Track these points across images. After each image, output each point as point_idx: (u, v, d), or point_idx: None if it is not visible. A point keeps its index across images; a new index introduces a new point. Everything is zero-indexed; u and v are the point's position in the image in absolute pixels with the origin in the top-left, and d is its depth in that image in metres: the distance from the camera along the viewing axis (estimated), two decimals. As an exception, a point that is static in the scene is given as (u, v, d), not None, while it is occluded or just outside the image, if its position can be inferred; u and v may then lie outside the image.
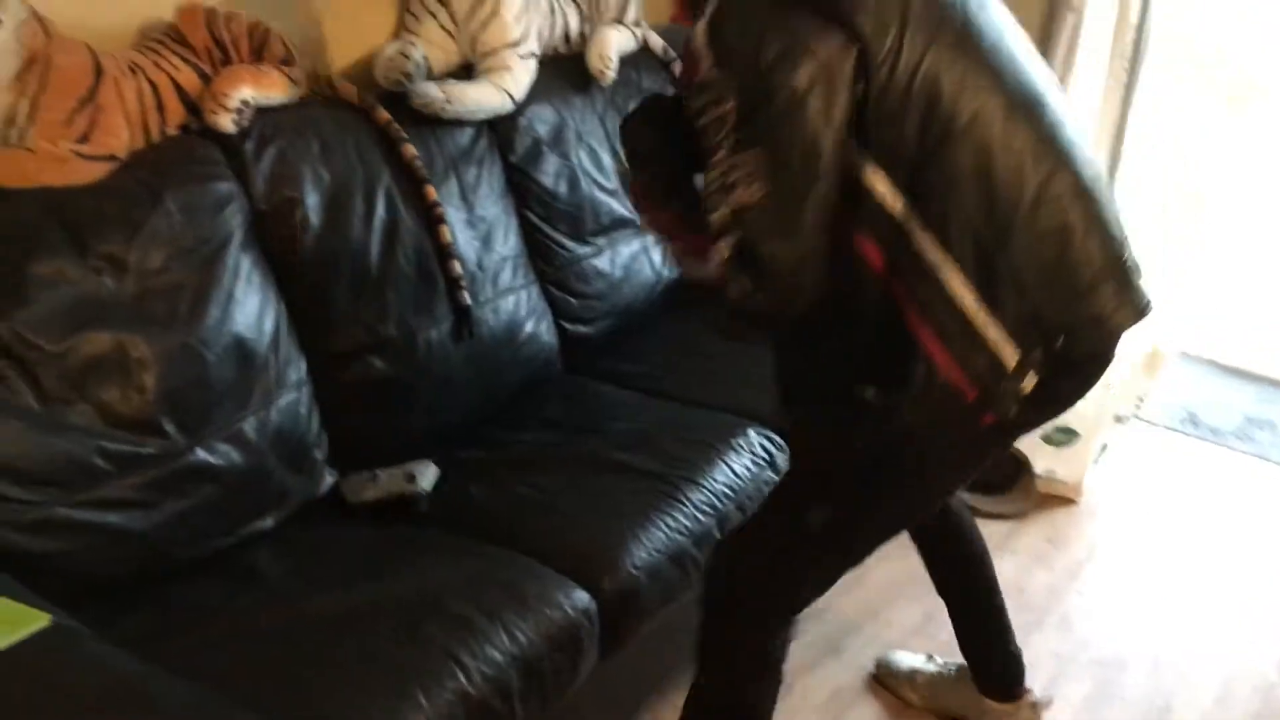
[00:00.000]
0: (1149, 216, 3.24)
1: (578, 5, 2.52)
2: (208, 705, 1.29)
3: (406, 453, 2.04)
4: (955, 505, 2.03)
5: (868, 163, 1.39)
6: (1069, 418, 2.84)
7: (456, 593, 1.69)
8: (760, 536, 1.68)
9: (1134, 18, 3.03)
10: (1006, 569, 2.61)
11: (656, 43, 2.67)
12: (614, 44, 2.51)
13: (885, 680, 2.29)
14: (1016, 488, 2.86)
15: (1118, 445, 3.05)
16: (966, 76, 1.40)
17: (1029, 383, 1.44)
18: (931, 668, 2.26)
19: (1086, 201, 1.46)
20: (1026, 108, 1.44)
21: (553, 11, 2.43)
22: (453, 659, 1.58)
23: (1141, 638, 2.45)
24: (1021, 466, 2.85)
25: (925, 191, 1.40)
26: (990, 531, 2.73)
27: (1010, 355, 1.43)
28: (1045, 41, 3.17)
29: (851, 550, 1.67)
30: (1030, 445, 2.87)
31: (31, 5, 1.73)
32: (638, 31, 2.62)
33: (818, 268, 1.40)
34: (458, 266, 2.14)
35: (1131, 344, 2.82)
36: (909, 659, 2.30)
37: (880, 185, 1.40)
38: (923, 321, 1.43)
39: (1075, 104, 3.14)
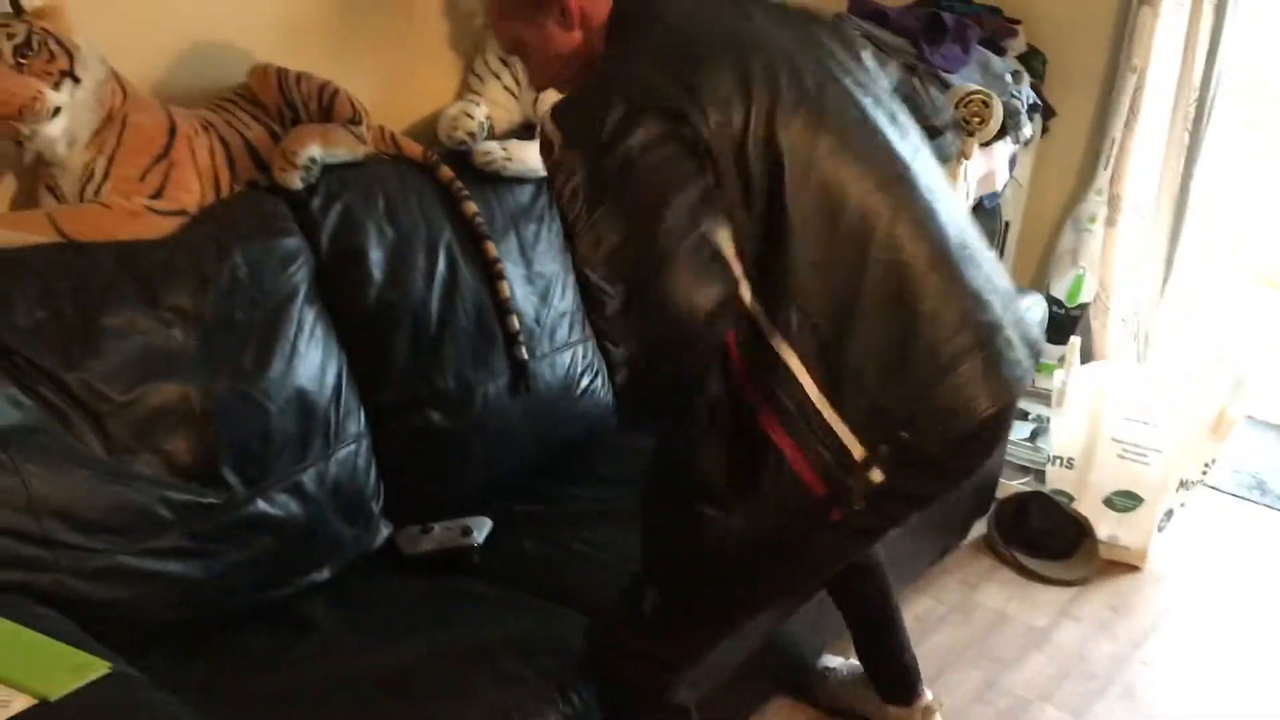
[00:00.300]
0: (1211, 278, 3.20)
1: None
2: (262, 757, 1.29)
3: (461, 505, 2.05)
4: None
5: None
6: (1132, 482, 2.78)
7: (509, 649, 1.69)
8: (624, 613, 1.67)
9: (1197, 79, 3.01)
10: (1069, 636, 2.56)
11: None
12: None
13: (805, 683, 2.31)
14: (1079, 553, 2.80)
15: (1184, 511, 2.98)
16: (812, 158, 1.40)
17: (875, 476, 1.42)
18: (842, 669, 2.29)
19: (944, 274, 1.44)
20: (879, 181, 1.44)
21: (613, 72, 2.46)
22: (504, 717, 1.56)
23: (1208, 710, 2.38)
24: (1084, 531, 2.80)
25: (769, 280, 1.39)
26: (1052, 597, 2.69)
27: (857, 450, 1.41)
28: (1106, 101, 3.16)
29: (703, 631, 1.65)
30: (1093, 510, 2.82)
31: (110, 65, 1.79)
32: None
33: (700, 306, 1.37)
34: (516, 321, 2.16)
35: (1198, 409, 2.78)
36: (825, 660, 2.31)
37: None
38: (772, 414, 1.41)
39: (1135, 167, 3.13)
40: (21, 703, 1.25)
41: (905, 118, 1.58)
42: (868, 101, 1.51)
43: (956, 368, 1.43)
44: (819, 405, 1.40)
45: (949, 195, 1.54)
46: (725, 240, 1.38)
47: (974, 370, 1.44)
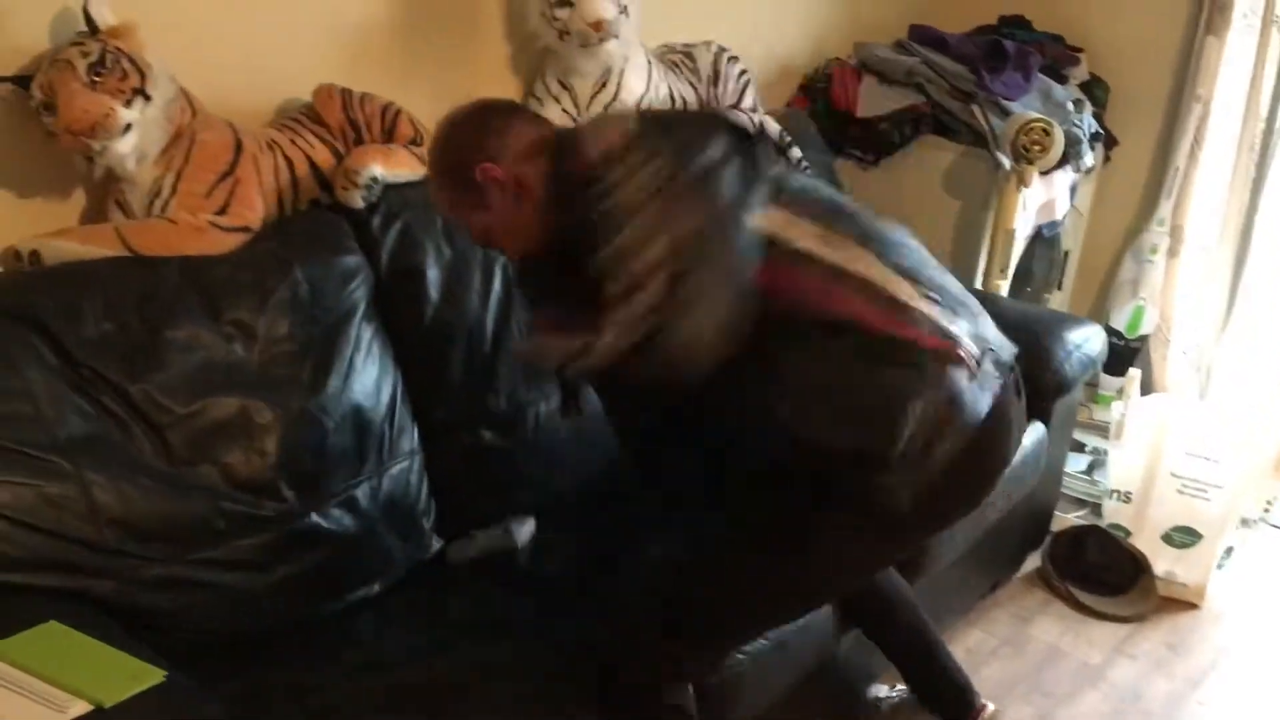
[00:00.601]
0: (1276, 311, 3.14)
1: (696, 91, 2.57)
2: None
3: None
4: None
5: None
6: (1191, 518, 2.73)
7: (554, 665, 1.69)
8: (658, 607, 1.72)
9: (1263, 110, 2.97)
10: (1124, 674, 2.51)
11: (773, 128, 2.70)
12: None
13: (857, 712, 2.28)
14: (1135, 589, 2.75)
15: (1243, 549, 2.92)
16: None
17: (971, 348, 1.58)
18: (894, 696, 2.26)
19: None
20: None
21: (672, 98, 2.48)
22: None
23: (1269, 755, 2.33)
24: (1141, 567, 2.75)
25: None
26: (1107, 634, 2.64)
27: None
28: (1169, 130, 3.13)
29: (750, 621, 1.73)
30: (1151, 545, 2.77)
31: (180, 84, 1.83)
32: (755, 117, 2.66)
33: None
34: (570, 343, 2.17)
35: (1261, 445, 2.72)
36: (874, 690, 2.30)
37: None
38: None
39: (1198, 197, 3.08)
40: (78, 708, 1.28)
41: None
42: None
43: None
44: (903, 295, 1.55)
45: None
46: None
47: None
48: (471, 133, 1.65)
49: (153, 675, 1.36)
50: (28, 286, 1.67)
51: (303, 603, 1.80)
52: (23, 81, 1.70)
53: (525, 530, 2.00)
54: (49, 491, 1.57)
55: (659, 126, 1.59)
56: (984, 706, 2.13)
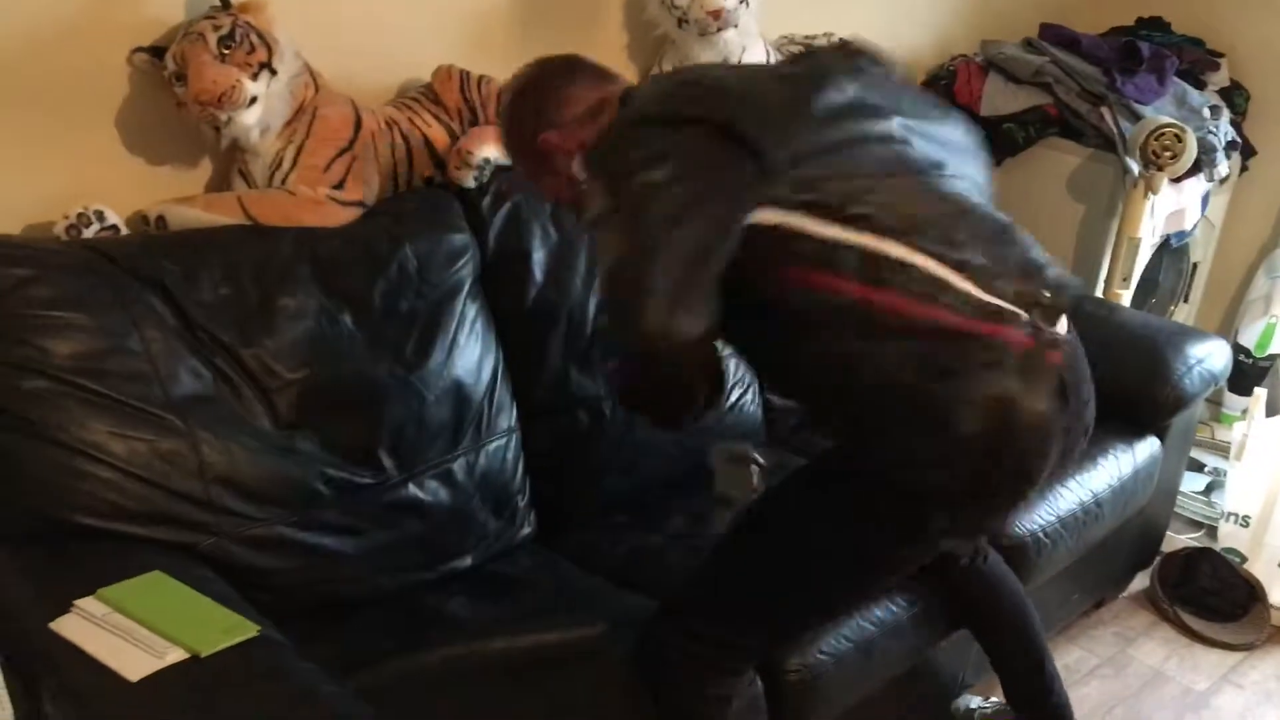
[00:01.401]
0: None
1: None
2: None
3: (604, 510, 2.08)
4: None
5: (797, 215, 1.45)
6: (1313, 547, 2.61)
7: (634, 653, 1.69)
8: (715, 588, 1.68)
9: None
10: (1231, 704, 2.42)
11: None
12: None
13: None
14: (1248, 617, 2.64)
15: (1369, 583, 2.78)
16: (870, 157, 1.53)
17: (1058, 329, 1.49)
18: (988, 708, 2.20)
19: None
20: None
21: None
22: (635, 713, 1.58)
23: (1382, 801, 2.21)
24: (1255, 595, 2.64)
25: (868, 218, 1.46)
26: (1215, 661, 2.54)
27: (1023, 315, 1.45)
28: None
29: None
30: (1267, 573, 2.65)
31: (305, 60, 1.88)
32: (873, 111, 2.61)
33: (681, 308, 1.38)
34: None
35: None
36: (967, 700, 2.23)
37: (821, 229, 1.44)
38: (911, 299, 1.43)
39: None
40: (175, 655, 1.33)
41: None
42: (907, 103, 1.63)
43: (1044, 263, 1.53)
44: (973, 290, 1.44)
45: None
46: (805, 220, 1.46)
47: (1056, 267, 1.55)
48: (532, 100, 1.67)
49: (248, 629, 1.40)
50: (152, 250, 1.74)
51: (396, 571, 1.84)
52: (158, 52, 1.77)
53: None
54: (161, 447, 1.63)
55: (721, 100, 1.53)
56: None
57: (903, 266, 1.43)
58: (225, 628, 1.41)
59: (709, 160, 1.46)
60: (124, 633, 1.36)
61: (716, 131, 1.46)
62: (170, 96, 1.77)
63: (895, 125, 1.59)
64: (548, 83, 1.68)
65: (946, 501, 1.50)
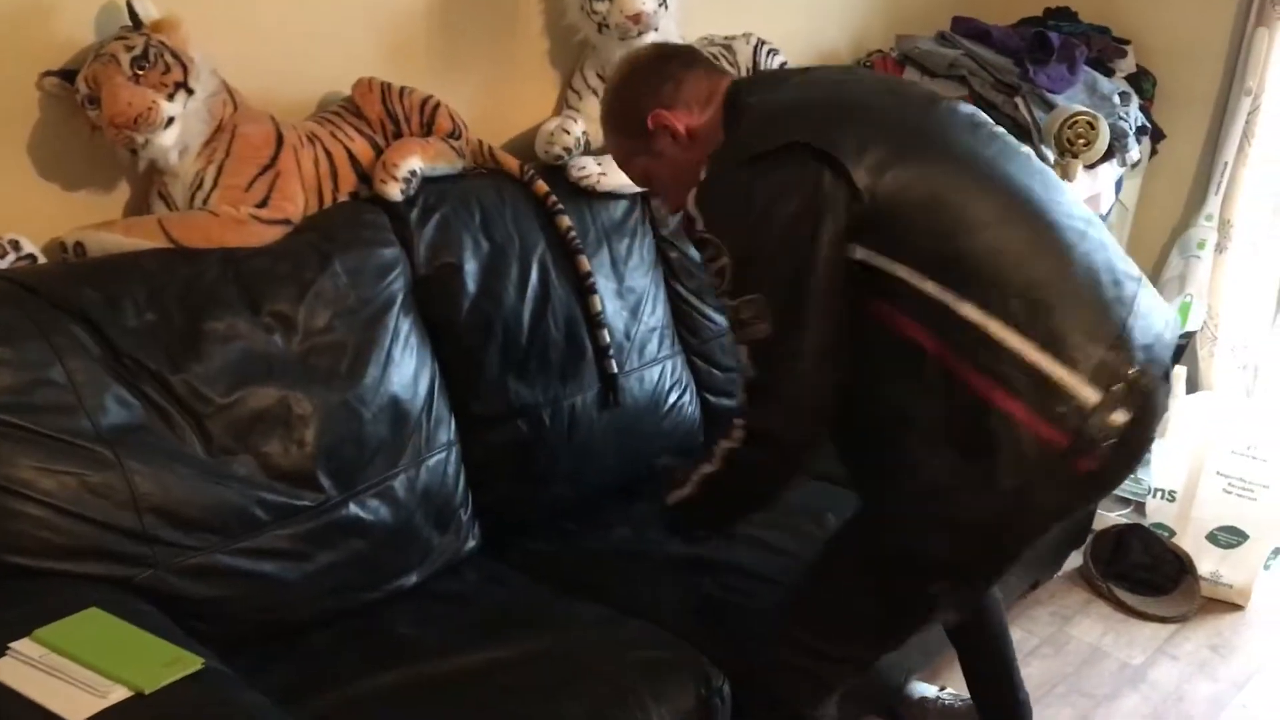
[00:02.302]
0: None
1: (736, 83, 2.55)
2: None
3: (550, 519, 2.07)
4: None
5: (885, 258, 1.46)
6: (1238, 518, 2.69)
7: (590, 657, 1.70)
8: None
9: (1316, 102, 2.91)
10: (1166, 675, 2.48)
11: (813, 121, 2.68)
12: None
13: (898, 709, 2.28)
14: (1179, 590, 2.71)
15: (1291, 550, 2.87)
16: (950, 177, 1.50)
17: (1118, 417, 1.43)
18: (945, 699, 2.25)
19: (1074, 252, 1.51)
20: (1013, 201, 1.52)
21: (711, 89, 2.47)
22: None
23: (1315, 760, 2.29)
24: (1185, 568, 2.71)
25: (954, 271, 1.45)
26: (1149, 634, 2.61)
27: (1090, 395, 1.42)
28: (1218, 123, 3.07)
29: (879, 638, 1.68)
30: (1195, 545, 2.73)
31: (222, 78, 1.84)
32: (794, 109, 2.64)
33: (823, 395, 1.50)
34: (606, 335, 2.17)
35: (1309, 443, 2.67)
36: (921, 688, 2.27)
37: (903, 273, 1.45)
38: (992, 385, 1.43)
39: (1247, 192, 3.03)
40: (118, 694, 1.29)
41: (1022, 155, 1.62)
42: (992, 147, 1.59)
43: (1135, 304, 1.50)
44: (1041, 363, 1.43)
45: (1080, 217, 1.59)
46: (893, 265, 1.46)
47: (1146, 302, 1.52)
48: (648, 77, 1.67)
49: (191, 663, 1.37)
50: (72, 277, 1.69)
51: (340, 593, 1.81)
52: (68, 75, 1.72)
53: None
54: (91, 480, 1.58)
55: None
56: None
57: (985, 340, 1.43)
58: (167, 662, 1.37)
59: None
60: (63, 674, 1.32)
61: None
62: (84, 120, 1.73)
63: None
64: (668, 63, 1.68)
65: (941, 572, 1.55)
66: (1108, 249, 1.55)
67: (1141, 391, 1.45)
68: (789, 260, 1.46)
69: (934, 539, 1.51)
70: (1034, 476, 1.45)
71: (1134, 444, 1.50)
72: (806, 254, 1.45)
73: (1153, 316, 1.53)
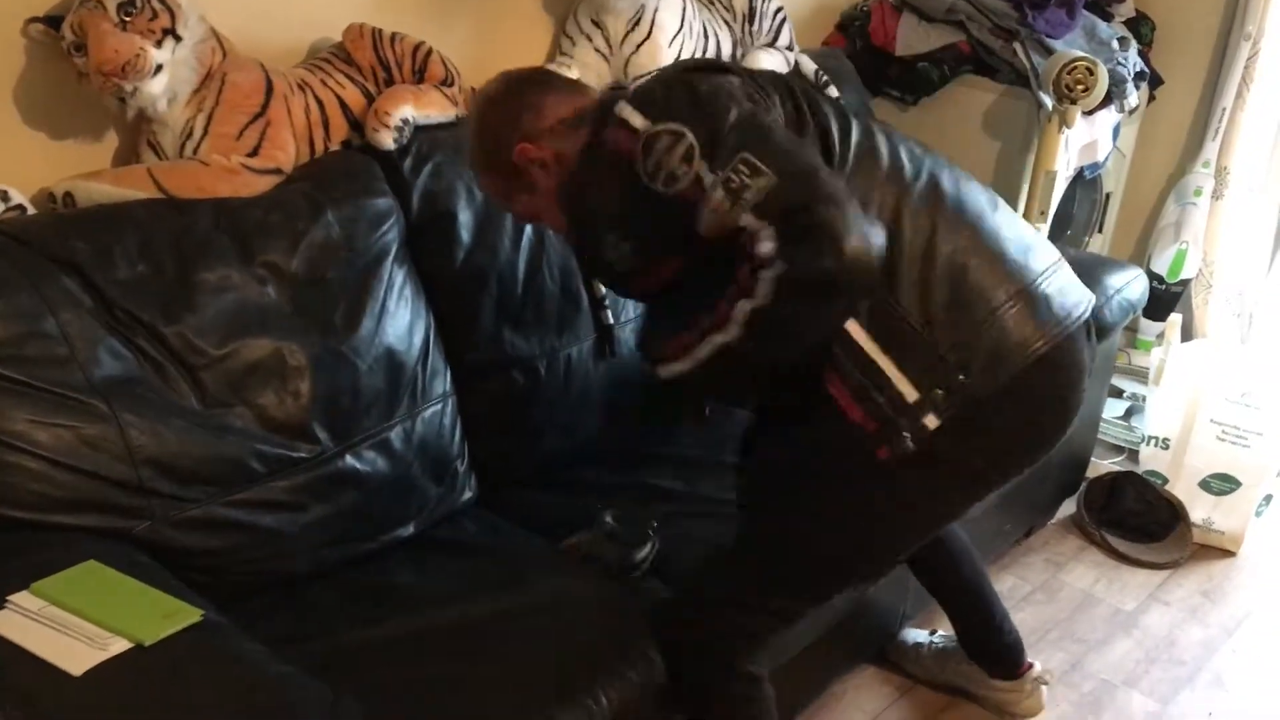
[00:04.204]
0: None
1: (731, 30, 2.52)
2: (342, 714, 1.31)
3: (546, 469, 2.07)
4: None
5: None
6: (1230, 465, 2.70)
7: (580, 610, 1.71)
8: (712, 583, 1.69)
9: (1317, 47, 2.88)
10: (1158, 621, 2.50)
11: (809, 66, 2.65)
12: (766, 68, 2.50)
13: (891, 655, 2.30)
14: (1171, 536, 2.73)
15: (1283, 497, 2.89)
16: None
17: (930, 422, 1.48)
18: (938, 642, 2.27)
19: (982, 249, 1.54)
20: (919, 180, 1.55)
21: (706, 36, 2.44)
22: (581, 677, 1.58)
23: (1303, 703, 2.32)
24: (1177, 514, 2.73)
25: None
26: (1141, 580, 2.63)
27: (911, 394, 1.48)
28: (1216, 69, 3.05)
29: (807, 588, 1.68)
30: (1188, 493, 2.74)
31: (210, 24, 1.81)
32: (790, 55, 2.61)
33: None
34: (601, 286, 2.16)
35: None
36: (913, 634, 2.30)
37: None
38: (832, 372, 1.50)
39: (1245, 139, 3.01)
40: (119, 646, 1.29)
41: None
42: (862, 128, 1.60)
43: (999, 314, 1.51)
44: (874, 356, 1.48)
45: (993, 199, 1.64)
46: None
47: (1020, 312, 1.52)
48: (505, 111, 1.61)
49: (190, 614, 1.37)
50: (61, 228, 1.67)
51: (338, 544, 1.81)
52: (54, 22, 1.69)
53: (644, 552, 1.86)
54: (86, 433, 1.57)
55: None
56: (1031, 665, 2.14)
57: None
58: (166, 614, 1.37)
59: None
60: (63, 626, 1.32)
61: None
62: (70, 68, 1.70)
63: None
64: (520, 93, 1.62)
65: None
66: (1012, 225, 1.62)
67: (968, 399, 1.48)
68: (750, 110, 1.46)
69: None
70: (835, 455, 1.54)
71: (970, 454, 1.55)
72: (763, 104, 1.48)
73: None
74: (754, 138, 1.42)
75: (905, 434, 1.48)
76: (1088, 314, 1.61)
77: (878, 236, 1.41)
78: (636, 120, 1.46)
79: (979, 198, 1.61)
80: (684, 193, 1.43)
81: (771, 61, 2.53)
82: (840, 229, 1.35)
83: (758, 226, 1.38)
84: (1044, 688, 2.14)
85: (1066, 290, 1.59)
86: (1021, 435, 1.60)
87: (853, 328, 1.48)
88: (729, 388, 1.64)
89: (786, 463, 1.65)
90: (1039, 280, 1.56)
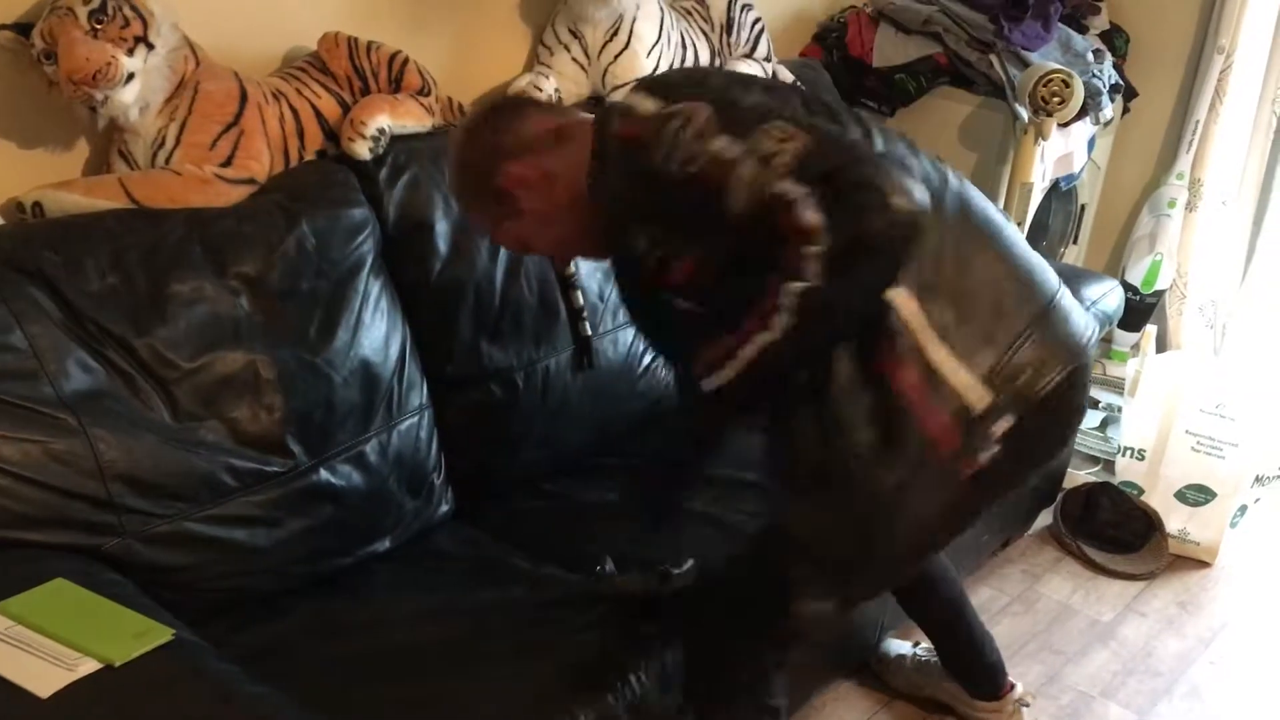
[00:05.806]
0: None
1: (709, 40, 2.52)
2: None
3: (524, 482, 2.05)
4: None
5: None
6: (1205, 476, 2.71)
7: (561, 626, 1.69)
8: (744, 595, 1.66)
9: (1288, 61, 2.91)
10: (1134, 632, 2.51)
11: (786, 77, 2.65)
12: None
13: (874, 666, 2.29)
14: (1147, 547, 2.74)
15: (1258, 508, 2.90)
16: None
17: (1000, 425, 1.46)
18: (921, 655, 2.25)
19: (1010, 263, 1.54)
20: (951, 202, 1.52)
21: (684, 46, 2.43)
22: (560, 695, 1.56)
23: (1277, 714, 2.32)
24: (1153, 525, 2.74)
25: None
26: (1118, 591, 2.63)
27: (979, 399, 1.45)
28: (1190, 82, 3.07)
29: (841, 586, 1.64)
30: (1164, 503, 2.75)
31: (183, 32, 1.79)
32: (768, 66, 2.61)
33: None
34: (580, 298, 2.15)
35: (1275, 403, 2.69)
36: (896, 645, 2.29)
37: None
38: (900, 371, 1.45)
39: (1218, 151, 3.03)
40: (87, 666, 1.27)
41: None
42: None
43: (1041, 321, 1.51)
44: (943, 359, 1.45)
45: (1009, 222, 1.63)
46: None
47: (1056, 324, 1.53)
48: (484, 138, 1.58)
49: (161, 634, 1.35)
50: (31, 239, 1.64)
51: (312, 560, 1.79)
52: (23, 29, 1.66)
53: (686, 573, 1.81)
54: (55, 448, 1.55)
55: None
56: (1013, 686, 2.13)
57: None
58: (137, 633, 1.35)
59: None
60: (30, 646, 1.30)
61: None
62: (40, 76, 1.67)
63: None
64: (498, 116, 1.59)
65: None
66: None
67: (1030, 399, 1.48)
68: (761, 88, 1.46)
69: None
70: (918, 472, 1.47)
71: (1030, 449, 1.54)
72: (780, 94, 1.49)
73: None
74: (779, 108, 1.40)
75: (983, 443, 1.46)
76: (1098, 329, 1.63)
77: (920, 191, 1.35)
78: (648, 105, 1.43)
79: (996, 213, 1.60)
80: (705, 173, 1.37)
81: (749, 72, 2.53)
82: (884, 184, 1.31)
83: (797, 193, 1.32)
84: (1025, 709, 2.13)
85: (1078, 306, 1.61)
86: (1054, 442, 1.63)
87: (922, 333, 1.45)
88: (760, 394, 1.55)
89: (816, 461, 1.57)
90: (1059, 294, 1.56)
